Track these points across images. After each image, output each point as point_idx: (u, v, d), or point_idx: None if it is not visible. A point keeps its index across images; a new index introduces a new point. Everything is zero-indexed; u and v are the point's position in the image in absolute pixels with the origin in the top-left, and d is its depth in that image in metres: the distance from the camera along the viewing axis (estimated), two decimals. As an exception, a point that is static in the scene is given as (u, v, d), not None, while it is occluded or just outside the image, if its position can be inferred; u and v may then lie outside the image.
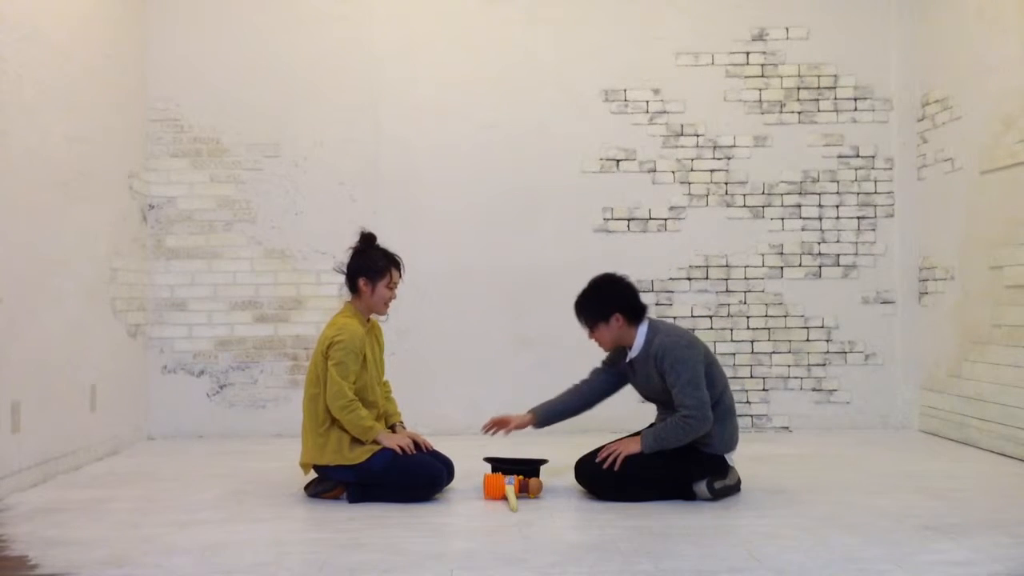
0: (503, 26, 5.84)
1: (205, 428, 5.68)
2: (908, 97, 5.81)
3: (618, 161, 5.82)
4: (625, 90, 5.83)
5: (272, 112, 5.76)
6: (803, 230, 5.85)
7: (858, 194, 5.86)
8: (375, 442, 3.75)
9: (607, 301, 3.81)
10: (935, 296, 5.54)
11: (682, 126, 5.84)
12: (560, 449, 4.51)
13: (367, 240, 3.96)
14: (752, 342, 5.82)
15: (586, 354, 5.79)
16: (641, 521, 3.41)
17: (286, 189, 5.76)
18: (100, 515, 3.58)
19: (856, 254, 5.86)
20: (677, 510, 3.59)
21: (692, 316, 5.80)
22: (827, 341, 5.83)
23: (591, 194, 5.80)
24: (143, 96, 5.68)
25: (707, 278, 5.83)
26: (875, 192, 5.87)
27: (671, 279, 5.81)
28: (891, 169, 5.88)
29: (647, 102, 5.83)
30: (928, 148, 5.62)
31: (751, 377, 5.81)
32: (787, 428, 5.80)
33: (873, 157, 5.88)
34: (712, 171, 5.84)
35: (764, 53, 5.87)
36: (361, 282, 3.89)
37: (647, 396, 3.95)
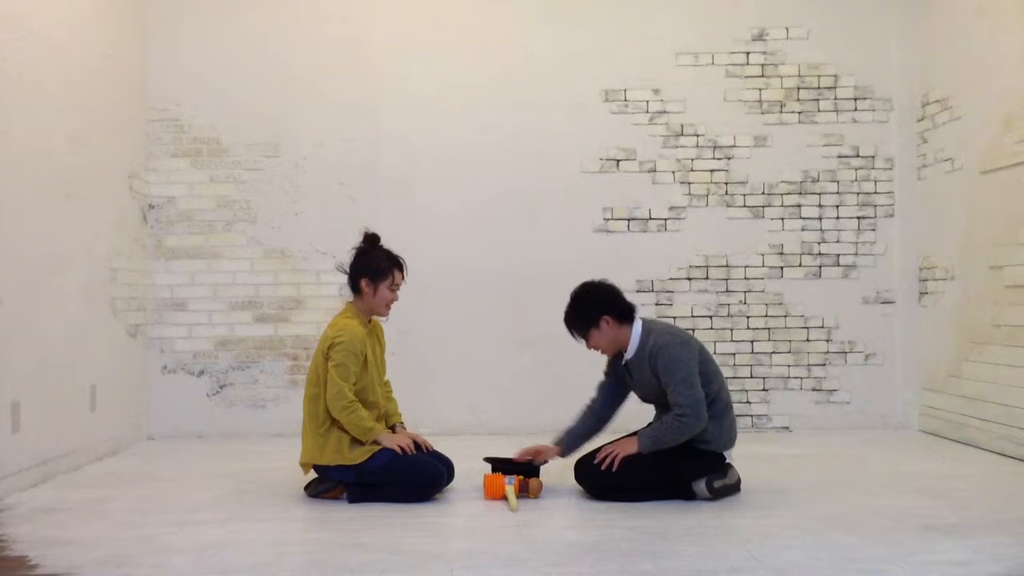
0: (503, 26, 5.84)
1: (205, 428, 5.68)
2: (908, 97, 5.81)
3: (618, 161, 5.82)
4: (625, 90, 5.83)
5: (272, 112, 5.76)
6: (803, 230, 5.85)
7: (858, 194, 5.87)
8: (375, 443, 3.75)
9: (591, 307, 3.82)
10: (935, 296, 5.54)
11: (682, 126, 5.84)
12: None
13: (370, 240, 3.96)
14: (752, 342, 5.82)
15: (586, 354, 5.80)
16: (641, 521, 3.41)
17: (286, 189, 5.76)
18: (100, 515, 3.58)
19: (856, 254, 5.86)
20: (677, 510, 3.59)
21: (692, 316, 5.80)
22: (827, 341, 5.83)
23: (591, 194, 5.80)
24: (143, 96, 5.68)
25: (707, 278, 5.83)
26: (875, 192, 5.87)
27: (671, 279, 5.81)
28: (891, 169, 5.88)
29: (647, 102, 5.83)
30: (928, 148, 5.62)
31: (751, 377, 5.81)
32: (787, 428, 5.80)
33: (873, 157, 5.88)
34: (712, 171, 5.84)
35: (764, 53, 5.87)
36: (363, 283, 3.89)
37: (645, 398, 3.95)
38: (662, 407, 3.87)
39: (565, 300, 3.91)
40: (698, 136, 5.84)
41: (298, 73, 5.78)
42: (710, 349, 5.73)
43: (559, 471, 4.12)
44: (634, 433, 3.84)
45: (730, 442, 3.84)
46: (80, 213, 4.73)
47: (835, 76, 5.87)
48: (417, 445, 3.82)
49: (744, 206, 5.84)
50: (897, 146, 5.87)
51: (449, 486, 3.93)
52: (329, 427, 3.77)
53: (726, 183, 5.84)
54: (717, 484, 3.76)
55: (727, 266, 5.83)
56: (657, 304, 5.78)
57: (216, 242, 5.74)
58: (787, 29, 5.87)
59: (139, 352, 5.56)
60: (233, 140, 5.75)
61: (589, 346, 3.91)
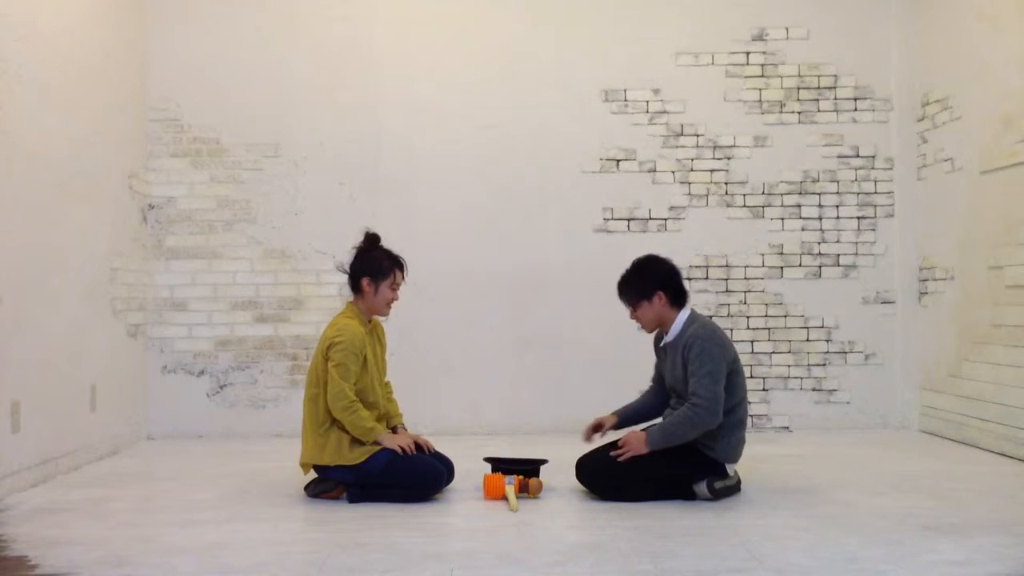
0: (503, 26, 5.84)
1: (205, 428, 5.68)
2: (908, 97, 5.81)
3: (618, 161, 5.82)
4: (625, 90, 5.83)
5: (272, 112, 5.76)
6: (803, 230, 5.85)
7: (858, 194, 5.87)
8: (376, 443, 3.75)
9: (651, 279, 3.84)
10: (935, 296, 5.54)
11: (682, 126, 5.84)
12: (560, 449, 4.50)
13: (371, 240, 3.97)
14: (752, 342, 5.82)
15: (586, 354, 5.81)
16: (641, 521, 3.41)
17: (286, 189, 5.76)
18: (100, 515, 3.58)
19: (856, 254, 5.86)
20: (677, 510, 3.59)
21: (692, 316, 5.79)
22: (827, 341, 5.83)
23: (591, 194, 5.80)
24: (143, 96, 5.68)
25: (707, 278, 5.83)
26: (875, 192, 5.87)
27: (671, 279, 5.80)
28: (891, 169, 5.88)
29: (647, 102, 5.83)
30: (928, 148, 5.62)
31: (751, 377, 5.80)
32: (787, 428, 5.80)
33: (873, 157, 5.88)
34: (712, 171, 5.84)
35: (764, 53, 5.87)
36: (364, 282, 3.89)
37: (671, 385, 3.93)
38: (680, 398, 3.84)
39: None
40: (698, 136, 5.84)
41: (298, 73, 5.78)
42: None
43: (559, 471, 4.11)
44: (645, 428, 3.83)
45: (735, 457, 3.84)
46: (80, 213, 4.73)
47: (835, 76, 5.87)
48: (418, 446, 3.82)
49: (744, 206, 5.84)
50: (897, 146, 5.87)
51: (449, 486, 3.93)
52: (329, 427, 3.77)
53: (726, 183, 5.84)
54: (718, 485, 3.75)
55: (727, 266, 5.83)
56: (657, 304, 5.77)
57: (216, 242, 5.74)
58: (787, 29, 5.87)
59: (139, 352, 5.56)
60: (233, 140, 5.75)
61: (633, 316, 3.91)
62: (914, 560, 2.89)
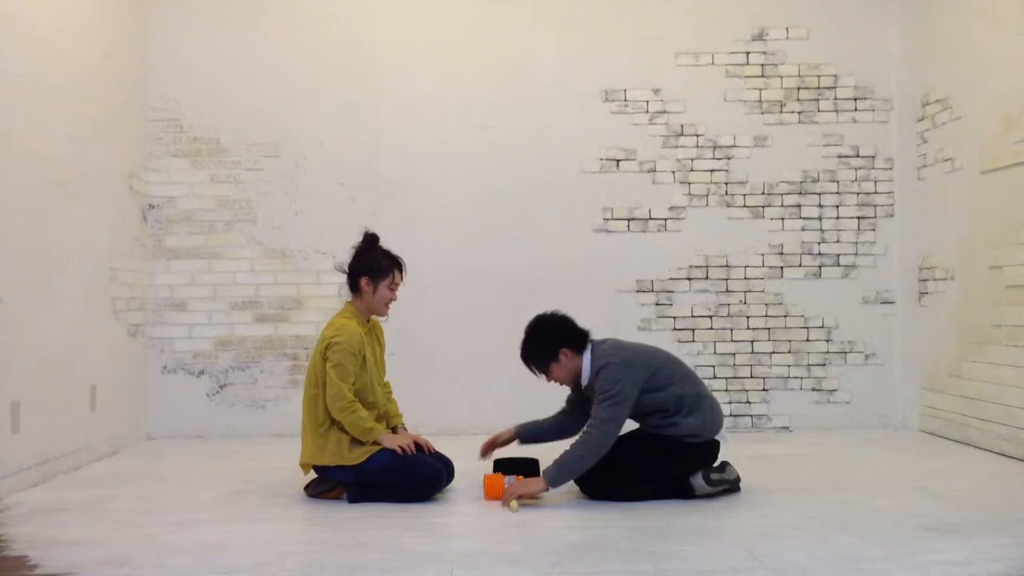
0: (503, 26, 5.84)
1: (205, 428, 5.68)
2: (908, 97, 5.81)
3: (618, 161, 5.82)
4: (625, 90, 5.83)
5: (272, 112, 5.76)
6: (803, 230, 5.85)
7: (858, 194, 5.87)
8: (376, 443, 3.75)
9: (550, 341, 3.81)
10: (935, 296, 5.54)
11: (682, 126, 5.84)
12: (559, 449, 4.49)
13: (370, 240, 3.97)
14: (752, 342, 5.82)
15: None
16: (641, 521, 3.41)
17: (286, 189, 5.76)
18: (100, 515, 3.58)
19: (856, 254, 5.86)
20: (677, 510, 3.59)
21: (692, 316, 5.80)
22: (827, 341, 5.83)
23: (591, 194, 5.80)
24: (143, 96, 5.68)
25: (707, 278, 5.83)
26: (875, 192, 5.87)
27: (671, 279, 5.81)
28: (891, 169, 5.88)
29: (647, 102, 5.83)
30: (928, 148, 5.62)
31: (751, 377, 5.81)
32: (787, 428, 5.80)
33: (873, 157, 5.88)
34: (712, 171, 5.84)
35: (764, 53, 5.87)
36: (363, 282, 3.89)
37: None
38: (635, 418, 3.84)
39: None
40: (698, 136, 5.84)
41: (298, 73, 5.78)
42: (710, 349, 5.79)
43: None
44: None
45: (716, 427, 3.83)
46: (80, 213, 4.73)
47: (835, 76, 5.87)
48: (418, 446, 3.82)
49: (744, 206, 5.84)
50: (897, 146, 5.87)
51: (449, 486, 3.93)
52: (329, 427, 3.77)
53: (726, 183, 5.84)
54: (715, 476, 3.76)
55: (727, 266, 5.83)
56: (657, 304, 5.78)
57: (216, 242, 5.74)
58: (787, 29, 5.87)
59: (139, 352, 5.56)
60: (233, 140, 5.75)
61: (549, 379, 3.90)
62: (914, 560, 2.89)
